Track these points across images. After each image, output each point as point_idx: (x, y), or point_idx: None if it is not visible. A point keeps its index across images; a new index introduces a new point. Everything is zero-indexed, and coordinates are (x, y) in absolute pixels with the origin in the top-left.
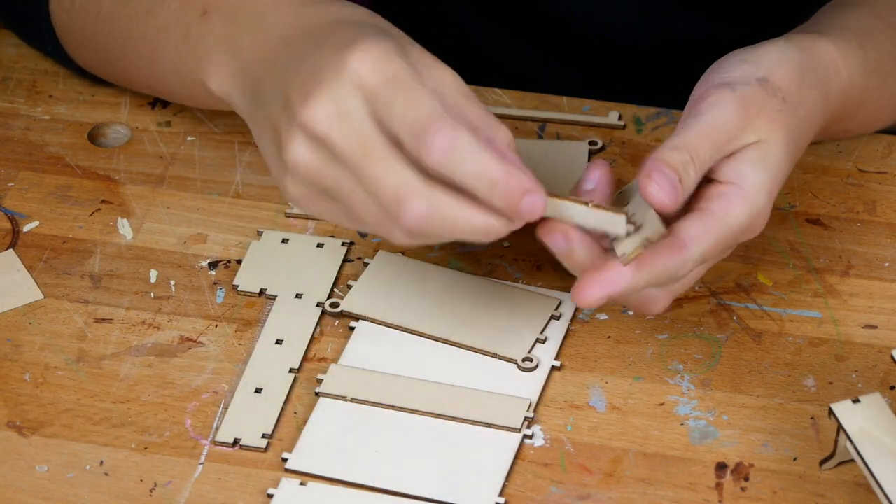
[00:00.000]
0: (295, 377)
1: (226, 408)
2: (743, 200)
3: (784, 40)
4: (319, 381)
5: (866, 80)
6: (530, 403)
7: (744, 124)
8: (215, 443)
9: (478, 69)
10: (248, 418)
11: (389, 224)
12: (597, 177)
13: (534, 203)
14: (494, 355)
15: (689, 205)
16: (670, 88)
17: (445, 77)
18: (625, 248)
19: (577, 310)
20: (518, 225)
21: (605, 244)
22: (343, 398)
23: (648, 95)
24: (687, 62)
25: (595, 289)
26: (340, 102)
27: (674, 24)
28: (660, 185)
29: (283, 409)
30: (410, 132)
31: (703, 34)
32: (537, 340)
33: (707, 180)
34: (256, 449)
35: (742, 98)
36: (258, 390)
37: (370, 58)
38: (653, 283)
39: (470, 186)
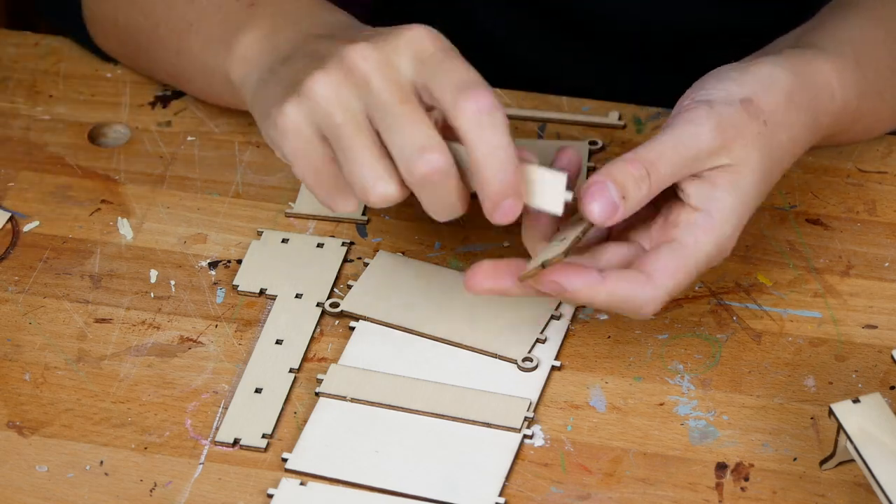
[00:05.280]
0: (295, 377)
1: (226, 408)
2: (712, 230)
3: (778, 59)
4: (319, 381)
5: (860, 101)
6: (530, 403)
7: (717, 145)
8: (215, 443)
9: (490, 60)
10: (248, 418)
11: (375, 181)
12: (567, 159)
13: (512, 207)
14: (494, 355)
15: (659, 231)
16: (683, 78)
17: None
18: (533, 263)
19: (577, 310)
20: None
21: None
22: (343, 398)
23: (659, 85)
24: (700, 51)
25: (544, 279)
26: (391, 54)
27: (685, 12)
28: (595, 204)
29: (283, 409)
30: (453, 88)
31: (715, 22)
32: (537, 340)
33: (677, 199)
34: (256, 449)
35: (719, 118)
36: (258, 390)
37: (430, 31)
38: (612, 308)
39: (481, 155)
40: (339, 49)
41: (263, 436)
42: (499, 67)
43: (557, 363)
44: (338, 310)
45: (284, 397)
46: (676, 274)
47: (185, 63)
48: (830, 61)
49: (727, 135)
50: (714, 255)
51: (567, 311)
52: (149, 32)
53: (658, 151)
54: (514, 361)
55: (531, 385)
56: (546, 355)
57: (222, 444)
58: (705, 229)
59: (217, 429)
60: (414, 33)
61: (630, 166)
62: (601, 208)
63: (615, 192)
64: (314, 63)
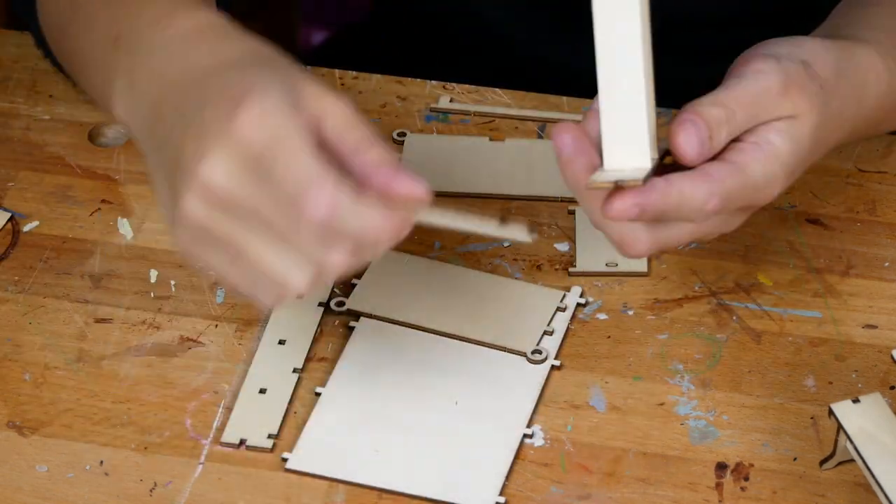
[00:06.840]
0: (299, 377)
1: (226, 408)
2: (761, 157)
3: (825, 39)
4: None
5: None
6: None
7: (783, 98)
8: (222, 443)
9: (491, 55)
10: (253, 419)
11: (283, 271)
12: (568, 142)
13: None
14: (503, 349)
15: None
16: (687, 74)
17: (328, 106)
18: (599, 175)
19: (577, 308)
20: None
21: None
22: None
23: (663, 81)
24: (717, 36)
25: (624, 200)
26: (230, 164)
27: (692, 1)
28: (689, 138)
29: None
30: (290, 196)
31: (733, 9)
32: (545, 333)
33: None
34: (262, 449)
35: (786, 72)
36: (262, 391)
37: (255, 115)
38: (669, 207)
39: (359, 238)
40: (186, 171)
41: (269, 436)
42: (500, 63)
43: (557, 363)
44: (344, 308)
45: (289, 398)
46: (728, 179)
47: (92, 91)
48: (873, 47)
49: (791, 89)
50: (762, 184)
51: (570, 302)
52: (70, 14)
53: (736, 98)
54: (524, 354)
55: (536, 378)
56: (554, 347)
57: (228, 444)
58: (755, 156)
59: (217, 429)
60: (240, 126)
61: (715, 108)
62: (692, 147)
63: (705, 132)
64: (174, 179)
